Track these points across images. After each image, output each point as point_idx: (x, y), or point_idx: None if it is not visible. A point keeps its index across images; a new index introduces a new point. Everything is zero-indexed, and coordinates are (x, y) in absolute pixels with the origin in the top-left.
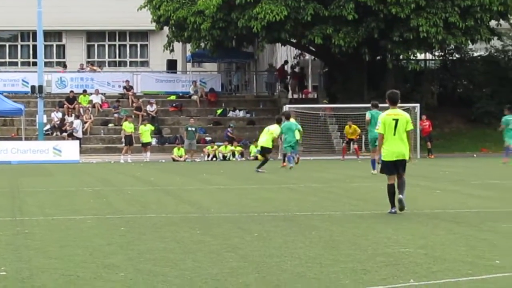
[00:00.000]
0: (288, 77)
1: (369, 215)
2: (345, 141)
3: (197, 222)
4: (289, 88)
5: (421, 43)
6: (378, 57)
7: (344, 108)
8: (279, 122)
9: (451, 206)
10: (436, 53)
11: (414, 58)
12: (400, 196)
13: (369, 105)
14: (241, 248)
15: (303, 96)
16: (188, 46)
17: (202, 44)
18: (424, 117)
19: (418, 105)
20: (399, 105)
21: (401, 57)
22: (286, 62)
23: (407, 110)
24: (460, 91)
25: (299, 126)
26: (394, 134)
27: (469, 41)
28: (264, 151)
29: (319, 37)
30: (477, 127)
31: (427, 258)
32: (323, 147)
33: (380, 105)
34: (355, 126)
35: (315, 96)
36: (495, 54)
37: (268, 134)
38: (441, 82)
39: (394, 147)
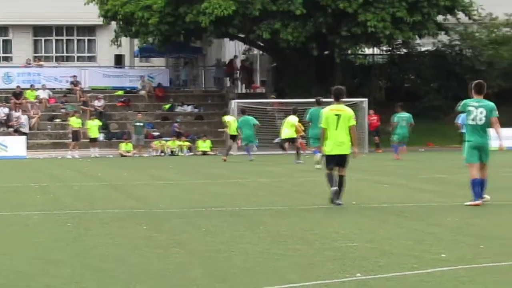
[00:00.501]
0: (238, 71)
1: (317, 209)
2: None
3: (144, 217)
4: (239, 82)
5: (369, 38)
6: (326, 52)
7: (292, 103)
8: (295, 112)
9: (399, 200)
10: (384, 48)
11: (362, 53)
12: (338, 201)
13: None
14: (188, 243)
15: (252, 91)
16: (136, 41)
17: (150, 39)
18: (372, 111)
19: (366, 99)
20: (347, 99)
21: (349, 52)
22: (235, 56)
23: (354, 104)
24: (408, 86)
25: (256, 121)
26: (336, 129)
27: (416, 36)
28: (286, 141)
29: (267, 32)
30: (424, 121)
31: (374, 252)
32: (271, 142)
33: (327, 100)
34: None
35: (263, 91)
36: (442, 48)
37: (290, 126)
38: (389, 76)
39: (335, 142)
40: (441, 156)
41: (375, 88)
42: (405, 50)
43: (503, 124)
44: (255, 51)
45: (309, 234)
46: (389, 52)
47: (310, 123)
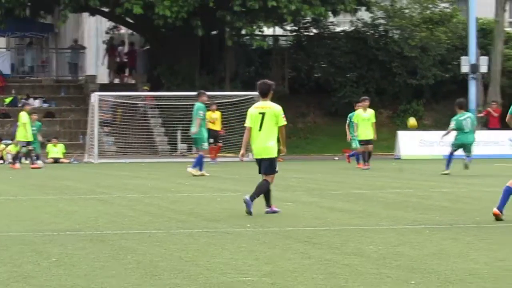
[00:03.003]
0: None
1: (201, 234)
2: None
3: None
4: (109, 69)
5: (269, 15)
6: (215, 32)
7: (170, 97)
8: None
9: (306, 222)
10: (289, 28)
11: (260, 33)
12: (245, 196)
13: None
14: (35, 276)
15: (119, 81)
16: None
17: None
18: None
19: None
20: (241, 93)
21: (243, 32)
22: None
23: (250, 99)
24: (318, 76)
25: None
26: (260, 130)
27: (330, 13)
28: None
29: (138, 6)
30: (340, 122)
31: None
32: (142, 147)
33: (214, 93)
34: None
35: (133, 80)
36: (362, 29)
37: None
38: (294, 64)
39: (258, 144)
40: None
41: (276, 79)
42: (315, 31)
43: (439, 125)
44: (123, 30)
45: (191, 266)
46: (295, 33)
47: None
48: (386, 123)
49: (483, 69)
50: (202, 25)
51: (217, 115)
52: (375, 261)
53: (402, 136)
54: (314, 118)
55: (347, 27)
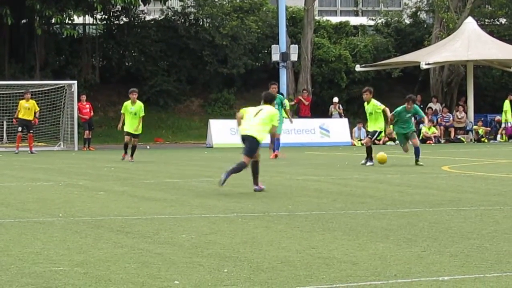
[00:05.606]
0: None
1: (13, 224)
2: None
3: None
4: None
5: (79, 3)
6: (24, 21)
7: None
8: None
9: (118, 212)
10: (99, 16)
11: (70, 22)
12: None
13: (14, 82)
14: None
15: None
16: None
17: None
18: (84, 97)
19: (75, 82)
20: (49, 82)
21: (53, 20)
22: None
23: (61, 88)
24: (129, 65)
25: None
26: (255, 116)
27: (140, 1)
28: None
29: None
30: (151, 110)
31: (88, 278)
32: None
33: (25, 82)
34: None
35: None
36: (173, 17)
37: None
38: (105, 53)
39: (248, 124)
40: (173, 155)
41: (86, 68)
42: (125, 20)
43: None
44: None
45: (2, 256)
46: (105, 22)
47: None
48: (198, 111)
49: (294, 57)
50: (11, 13)
51: (30, 104)
52: (188, 250)
53: (214, 125)
54: None
55: (157, 16)
